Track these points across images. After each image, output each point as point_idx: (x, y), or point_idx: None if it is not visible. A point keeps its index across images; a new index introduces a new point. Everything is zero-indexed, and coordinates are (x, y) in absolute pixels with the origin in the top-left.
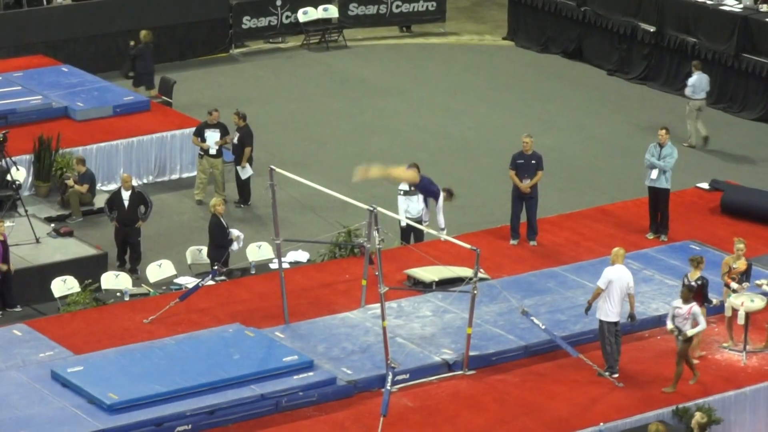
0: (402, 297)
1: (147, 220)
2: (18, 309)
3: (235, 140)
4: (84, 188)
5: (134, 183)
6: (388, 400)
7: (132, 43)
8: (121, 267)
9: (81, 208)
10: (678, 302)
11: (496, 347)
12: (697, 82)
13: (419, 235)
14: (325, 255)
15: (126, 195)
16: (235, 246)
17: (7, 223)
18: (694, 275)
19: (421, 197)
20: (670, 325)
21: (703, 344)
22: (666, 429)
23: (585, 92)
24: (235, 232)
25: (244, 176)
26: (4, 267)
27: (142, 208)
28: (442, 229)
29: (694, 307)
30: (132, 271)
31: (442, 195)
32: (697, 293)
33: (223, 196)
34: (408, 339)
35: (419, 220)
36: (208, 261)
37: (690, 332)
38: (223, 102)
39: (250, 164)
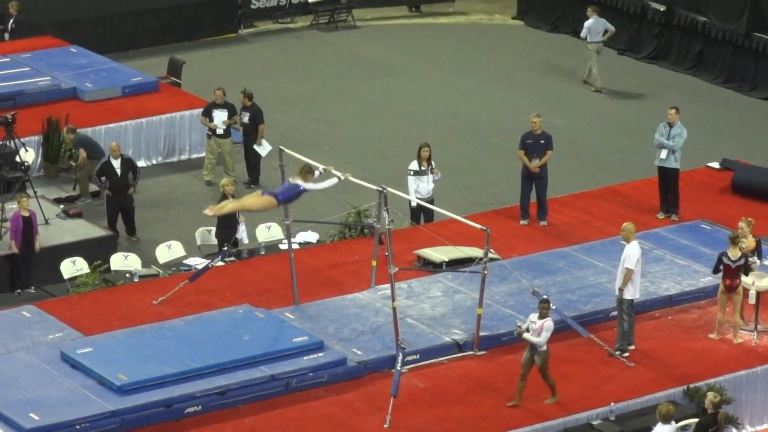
0: (412, 277)
1: (137, 186)
2: (32, 290)
3: (246, 119)
4: (83, 153)
5: (143, 164)
6: (398, 380)
7: (9, 28)
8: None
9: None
10: (534, 317)
11: (506, 327)
12: (593, 25)
13: (429, 215)
14: (334, 235)
15: (117, 163)
16: (244, 237)
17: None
18: (734, 253)
19: (431, 177)
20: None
21: (715, 324)
22: (676, 409)
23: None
24: (241, 227)
25: (264, 153)
26: (16, 250)
27: (130, 175)
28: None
29: (547, 322)
30: (131, 234)
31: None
32: (737, 270)
33: (233, 177)
34: (418, 319)
35: (430, 200)
36: (217, 242)
37: (524, 336)
38: (232, 82)
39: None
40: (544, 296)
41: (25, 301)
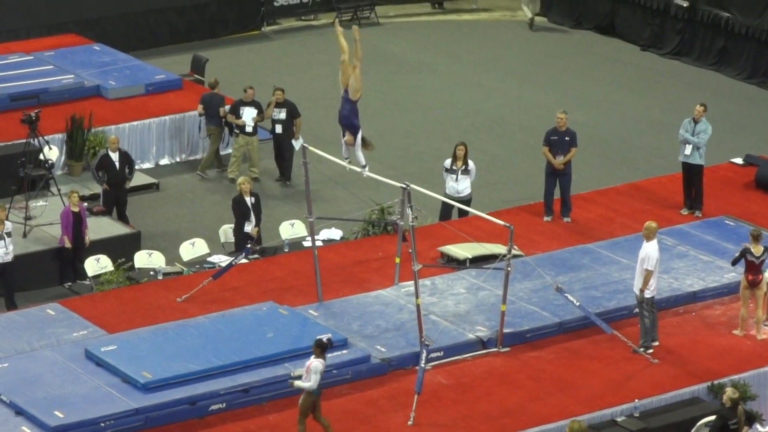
0: (436, 274)
1: (132, 179)
2: (87, 282)
3: (282, 115)
4: (200, 108)
5: (167, 161)
6: (422, 377)
7: None
8: None
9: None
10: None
11: (530, 324)
12: None
13: (461, 213)
14: (358, 233)
15: (115, 157)
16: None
17: (40, 203)
18: (758, 249)
19: (464, 177)
20: (297, 373)
21: (738, 320)
22: (699, 406)
23: (618, 68)
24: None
25: (297, 147)
26: (69, 244)
27: (126, 169)
28: (364, 166)
29: (314, 363)
30: None
31: (360, 135)
32: (760, 266)
33: (255, 175)
34: (442, 316)
35: (462, 200)
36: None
37: (296, 384)
38: (256, 80)
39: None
40: (325, 337)
41: (50, 300)
